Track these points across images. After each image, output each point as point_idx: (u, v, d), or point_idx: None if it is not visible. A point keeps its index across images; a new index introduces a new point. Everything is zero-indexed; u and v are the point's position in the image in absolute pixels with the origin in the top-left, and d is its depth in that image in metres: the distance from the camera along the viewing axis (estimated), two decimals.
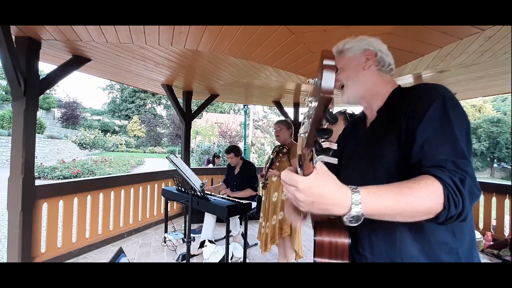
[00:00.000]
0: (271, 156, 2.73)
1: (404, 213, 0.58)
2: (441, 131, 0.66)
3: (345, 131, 1.03)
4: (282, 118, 3.33)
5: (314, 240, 0.74)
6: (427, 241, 0.71)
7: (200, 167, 10.03)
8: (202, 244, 3.01)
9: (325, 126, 0.48)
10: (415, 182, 0.59)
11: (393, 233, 0.73)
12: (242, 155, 3.65)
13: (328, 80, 0.43)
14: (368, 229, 0.75)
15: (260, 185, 2.80)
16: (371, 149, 0.81)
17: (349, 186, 0.57)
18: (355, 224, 0.57)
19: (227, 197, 3.16)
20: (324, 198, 0.55)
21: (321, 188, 0.55)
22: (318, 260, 0.74)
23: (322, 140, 0.49)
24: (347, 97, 0.89)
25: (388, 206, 0.57)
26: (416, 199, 0.57)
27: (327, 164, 0.56)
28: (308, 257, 3.11)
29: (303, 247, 2.81)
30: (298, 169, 0.59)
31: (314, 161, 0.51)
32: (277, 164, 2.66)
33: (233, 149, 3.53)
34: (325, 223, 0.75)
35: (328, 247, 0.73)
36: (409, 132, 0.70)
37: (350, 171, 0.88)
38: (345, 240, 0.73)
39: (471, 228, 0.74)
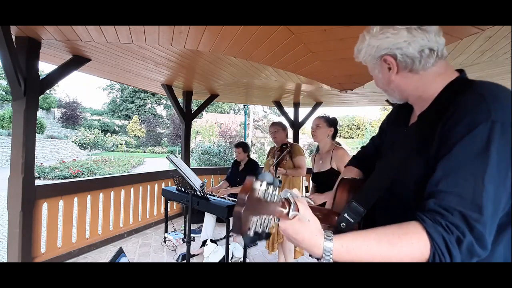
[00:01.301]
0: (277, 156, 2.73)
1: (381, 262, 0.57)
2: (467, 170, 0.54)
3: (390, 115, 0.90)
4: (277, 120, 3.34)
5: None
6: None
7: (200, 167, 10.03)
8: (204, 243, 3.01)
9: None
10: (400, 235, 0.56)
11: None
12: (249, 153, 3.73)
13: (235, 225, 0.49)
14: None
15: None
16: (402, 156, 0.70)
17: (325, 232, 0.58)
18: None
19: (226, 197, 3.16)
20: (298, 242, 0.58)
21: (295, 234, 0.58)
22: None
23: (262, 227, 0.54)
24: (391, 101, 0.81)
25: (361, 258, 0.56)
26: (396, 254, 0.55)
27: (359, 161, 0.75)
28: (309, 256, 3.12)
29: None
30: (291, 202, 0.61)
31: (290, 215, 0.56)
32: (284, 162, 2.68)
33: (242, 144, 3.63)
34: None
35: None
36: (437, 157, 0.59)
37: (382, 170, 0.76)
38: None
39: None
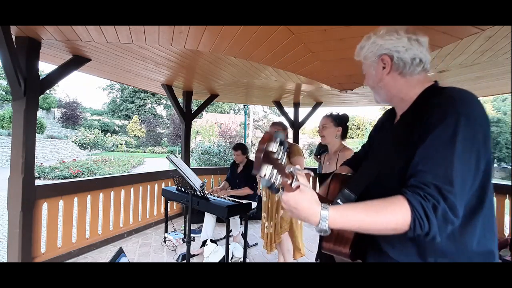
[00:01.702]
0: None
1: (370, 228, 0.66)
2: (440, 153, 0.66)
3: (378, 121, 1.04)
4: (277, 120, 3.32)
5: None
6: (422, 245, 0.74)
7: (200, 167, 10.03)
8: (204, 243, 3.01)
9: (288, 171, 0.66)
10: (387, 204, 0.66)
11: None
12: (248, 155, 3.73)
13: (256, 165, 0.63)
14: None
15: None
16: (386, 152, 0.84)
17: (322, 204, 0.67)
18: (324, 235, 0.67)
19: (226, 197, 3.17)
20: (298, 211, 0.67)
21: (295, 204, 0.67)
22: (325, 243, 0.85)
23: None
24: (376, 100, 0.92)
25: (352, 225, 0.67)
26: (382, 219, 0.65)
27: (352, 164, 1.00)
28: (309, 256, 3.12)
29: (304, 247, 2.83)
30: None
31: (293, 185, 0.66)
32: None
33: (240, 147, 3.63)
34: None
35: (335, 234, 0.82)
36: (417, 147, 0.70)
37: (365, 169, 0.90)
38: (350, 233, 0.82)
39: (485, 231, 0.73)
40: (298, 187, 0.67)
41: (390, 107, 0.95)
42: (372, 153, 0.97)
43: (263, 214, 2.87)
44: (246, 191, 3.43)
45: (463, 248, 0.71)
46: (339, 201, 0.82)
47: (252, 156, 3.76)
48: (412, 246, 0.75)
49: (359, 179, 0.87)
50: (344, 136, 2.14)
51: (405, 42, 0.79)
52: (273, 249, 2.76)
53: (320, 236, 2.22)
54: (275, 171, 0.63)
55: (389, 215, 0.65)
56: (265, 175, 0.61)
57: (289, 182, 0.66)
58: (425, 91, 0.80)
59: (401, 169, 0.73)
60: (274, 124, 2.85)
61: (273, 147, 0.63)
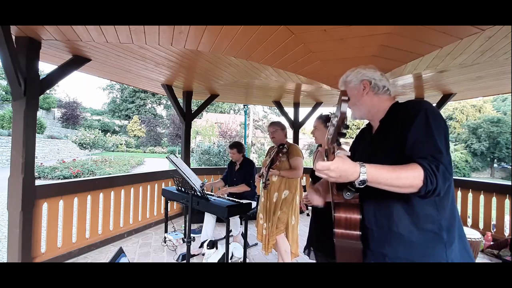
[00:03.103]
0: (271, 156, 2.71)
1: (394, 183, 0.85)
2: (424, 134, 0.92)
3: (356, 137, 1.32)
4: (277, 120, 3.29)
5: (334, 216, 0.99)
6: (416, 214, 0.96)
7: (200, 167, 10.03)
8: (202, 245, 3.00)
9: (343, 131, 0.83)
10: (405, 165, 0.87)
11: (391, 210, 0.99)
12: (245, 153, 3.71)
13: (344, 107, 0.79)
14: (373, 208, 1.04)
15: (261, 185, 2.77)
16: (377, 149, 1.07)
17: (358, 162, 0.85)
18: (362, 186, 0.85)
19: (226, 197, 3.16)
20: (345, 172, 0.83)
21: (343, 166, 0.83)
22: (337, 230, 0.98)
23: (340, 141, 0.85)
24: (354, 116, 1.19)
25: (383, 177, 0.85)
26: (404, 175, 0.85)
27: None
28: (304, 258, 3.11)
29: (300, 247, 2.78)
30: (325, 158, 0.91)
31: (336, 153, 0.85)
32: (278, 163, 2.65)
33: (236, 145, 3.61)
34: (342, 203, 0.98)
35: (344, 221, 0.98)
36: (403, 135, 0.95)
37: (365, 155, 1.11)
38: (357, 216, 0.97)
39: (452, 205, 0.98)
40: (339, 156, 0.85)
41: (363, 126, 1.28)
42: (362, 159, 1.14)
43: (260, 215, 2.85)
44: (243, 188, 3.42)
45: (443, 211, 0.95)
46: (348, 187, 0.98)
47: (252, 156, 3.74)
48: (405, 216, 0.97)
49: None
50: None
51: (378, 75, 1.14)
52: (270, 250, 2.74)
53: (311, 228, 2.22)
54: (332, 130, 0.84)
55: (410, 172, 0.85)
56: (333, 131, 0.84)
57: (332, 151, 0.86)
58: (394, 104, 1.12)
59: (394, 160, 0.92)
60: (272, 123, 2.83)
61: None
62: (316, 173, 0.85)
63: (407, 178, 0.84)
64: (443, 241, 0.93)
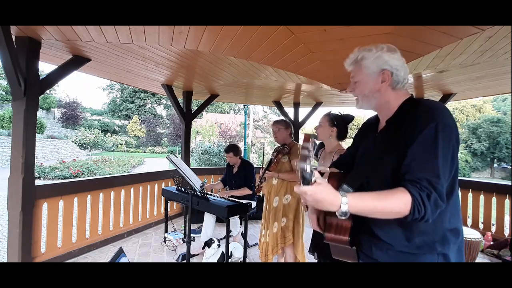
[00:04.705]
0: (271, 157, 2.65)
1: (379, 214, 0.82)
2: (426, 153, 0.83)
3: (360, 130, 1.20)
4: (279, 118, 3.17)
5: (326, 219, 0.99)
6: (409, 228, 0.90)
7: (200, 167, 10.02)
8: (206, 244, 2.99)
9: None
10: (392, 193, 0.82)
11: (383, 221, 0.90)
12: (241, 155, 3.65)
13: (302, 164, 0.77)
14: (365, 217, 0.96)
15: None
16: (376, 154, 0.98)
17: (340, 191, 0.81)
18: (344, 218, 0.80)
19: (226, 198, 3.16)
20: (322, 202, 0.79)
21: (321, 194, 0.78)
22: (327, 234, 0.97)
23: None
24: (360, 107, 1.05)
25: (367, 209, 0.81)
26: (390, 205, 0.80)
27: (339, 166, 1.19)
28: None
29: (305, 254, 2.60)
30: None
31: (312, 179, 0.79)
32: (275, 165, 2.54)
33: (232, 149, 3.53)
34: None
35: (335, 225, 0.97)
36: (405, 147, 0.86)
37: (359, 168, 1.04)
38: (349, 222, 0.95)
39: (454, 218, 0.92)
40: (314, 181, 0.79)
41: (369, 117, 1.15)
42: (363, 154, 1.10)
43: (262, 221, 2.71)
44: (245, 191, 3.40)
45: (440, 226, 0.88)
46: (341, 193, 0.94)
47: (252, 157, 3.73)
48: (397, 228, 0.91)
49: (353, 176, 1.01)
50: (341, 137, 2.06)
51: (402, 63, 0.96)
52: (269, 260, 2.54)
53: (315, 232, 2.18)
54: (308, 166, 0.77)
55: (396, 201, 0.80)
56: (306, 169, 0.76)
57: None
58: (406, 101, 0.97)
59: (393, 171, 0.89)
60: (276, 122, 2.70)
61: (310, 146, 0.77)
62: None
63: (393, 208, 0.80)
64: (436, 252, 0.88)
